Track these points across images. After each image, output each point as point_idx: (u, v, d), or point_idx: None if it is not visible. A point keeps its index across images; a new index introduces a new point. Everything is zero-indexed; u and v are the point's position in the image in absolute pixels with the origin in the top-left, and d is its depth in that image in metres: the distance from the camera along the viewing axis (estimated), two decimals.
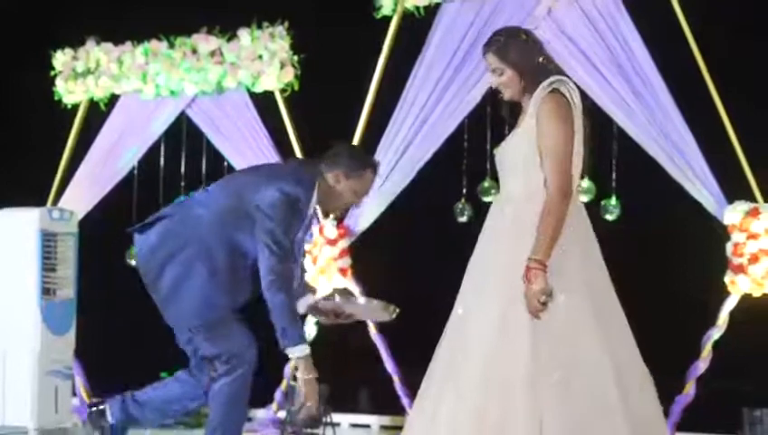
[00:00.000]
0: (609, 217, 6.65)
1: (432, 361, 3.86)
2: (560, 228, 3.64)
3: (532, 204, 3.70)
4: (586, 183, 6.66)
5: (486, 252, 3.82)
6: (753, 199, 6.35)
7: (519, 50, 3.84)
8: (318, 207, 4.63)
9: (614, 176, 6.65)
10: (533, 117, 3.77)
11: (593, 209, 6.61)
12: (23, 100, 8.13)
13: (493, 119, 6.85)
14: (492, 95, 6.61)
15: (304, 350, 4.36)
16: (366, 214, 7.11)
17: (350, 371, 7.09)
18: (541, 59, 3.84)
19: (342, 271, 7.16)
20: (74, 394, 7.61)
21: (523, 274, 3.60)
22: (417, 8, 7.00)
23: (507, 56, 3.84)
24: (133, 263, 7.81)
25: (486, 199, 6.94)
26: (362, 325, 7.05)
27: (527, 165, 3.76)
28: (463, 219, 7.01)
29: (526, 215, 3.70)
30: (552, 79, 3.78)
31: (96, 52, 7.96)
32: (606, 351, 3.61)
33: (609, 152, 6.53)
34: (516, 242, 3.69)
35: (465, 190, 7.00)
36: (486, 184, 6.93)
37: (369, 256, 7.15)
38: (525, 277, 3.60)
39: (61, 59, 8.07)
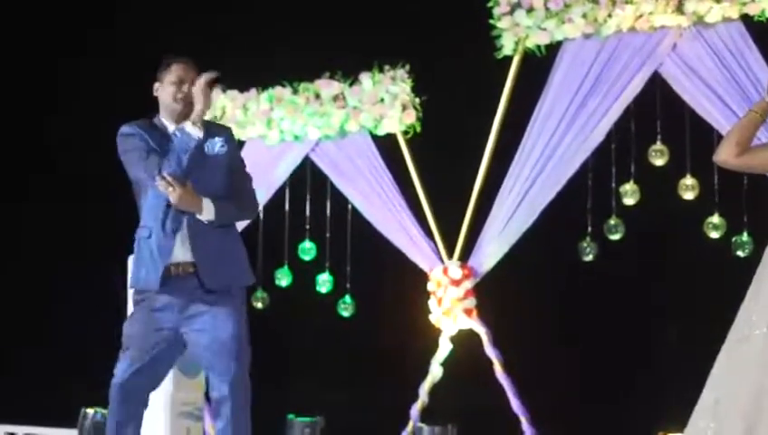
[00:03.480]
0: (741, 254, 6.49)
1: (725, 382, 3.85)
2: None
3: None
4: (716, 219, 6.53)
5: None
6: None
7: None
8: (170, 123, 4.57)
9: (745, 211, 6.49)
10: None
11: (724, 246, 6.51)
12: None
13: (617, 156, 6.80)
14: (616, 132, 6.72)
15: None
16: (490, 254, 7.08)
17: (477, 411, 7.03)
18: None
19: (467, 311, 7.13)
20: None
21: None
22: (539, 47, 6.97)
23: None
24: (259, 305, 8.01)
25: (612, 237, 6.85)
26: (489, 367, 7.00)
27: None
28: (588, 258, 6.92)
29: None
30: None
31: (222, 99, 8.12)
32: None
33: (740, 187, 6.37)
34: None
35: (590, 229, 6.92)
36: (612, 222, 6.84)
37: (494, 297, 7.11)
38: None
39: None
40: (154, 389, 4.60)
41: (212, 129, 4.57)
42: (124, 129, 4.57)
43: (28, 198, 8.67)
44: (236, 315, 4.49)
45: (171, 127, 4.52)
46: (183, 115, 4.51)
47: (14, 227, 8.71)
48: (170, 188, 4.36)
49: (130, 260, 4.88)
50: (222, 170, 4.53)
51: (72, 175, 8.42)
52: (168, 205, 4.46)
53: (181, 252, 4.46)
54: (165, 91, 4.57)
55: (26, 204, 8.64)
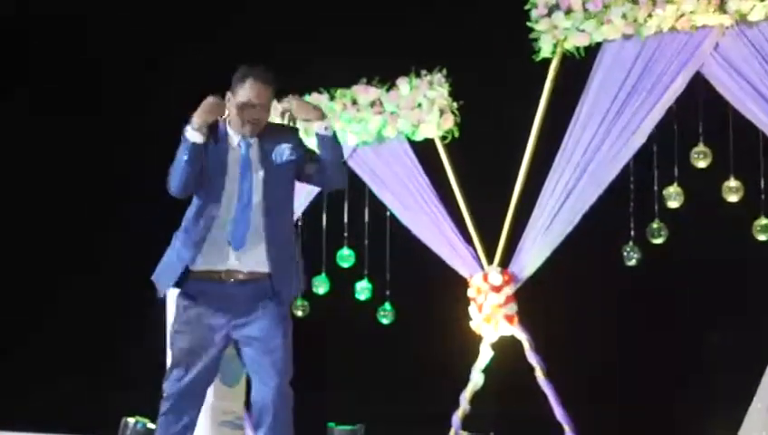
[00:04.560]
0: None
1: None
2: None
3: None
4: (765, 221, 6.41)
5: None
6: None
7: None
8: (236, 134, 4.46)
9: None
10: None
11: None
12: None
13: (660, 158, 6.69)
14: (658, 134, 6.61)
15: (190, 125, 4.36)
16: (531, 259, 7.00)
17: (519, 419, 6.95)
18: None
19: (508, 318, 7.04)
20: None
21: None
22: (578, 49, 6.88)
23: None
24: (299, 313, 7.97)
25: (655, 242, 6.74)
26: (531, 374, 6.91)
27: None
28: (631, 263, 6.81)
29: None
30: None
31: None
32: None
33: None
34: None
35: (632, 233, 6.81)
36: (655, 225, 6.73)
37: (535, 303, 7.02)
38: None
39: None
40: (204, 396, 4.56)
41: (279, 135, 4.50)
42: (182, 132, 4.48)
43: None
44: (285, 324, 4.46)
45: (236, 138, 4.46)
46: (248, 136, 4.45)
47: (64, 237, 8.69)
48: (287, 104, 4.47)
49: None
50: (293, 175, 4.49)
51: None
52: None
53: (234, 260, 4.41)
54: (234, 107, 4.42)
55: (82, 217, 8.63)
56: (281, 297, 4.43)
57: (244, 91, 4.39)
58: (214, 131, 4.45)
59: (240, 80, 4.42)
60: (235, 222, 4.39)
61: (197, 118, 4.32)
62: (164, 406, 4.46)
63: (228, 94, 4.47)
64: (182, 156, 4.34)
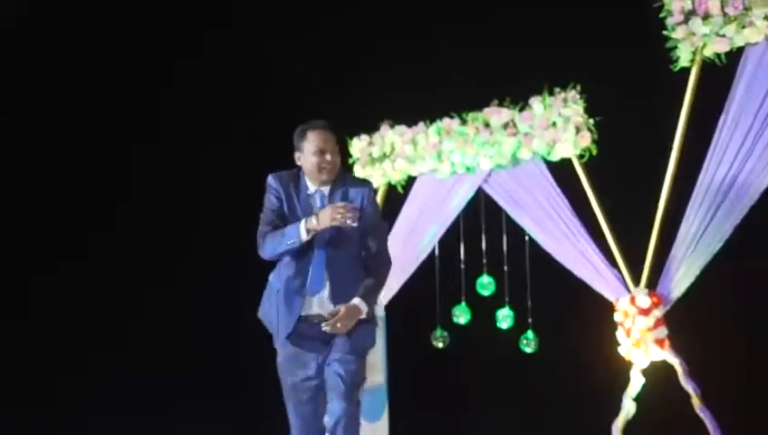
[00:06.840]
0: None
1: None
2: None
3: None
4: None
5: None
6: None
7: None
8: (313, 184, 4.90)
9: None
10: None
11: None
12: None
13: None
14: None
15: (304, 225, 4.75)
16: (680, 279, 6.65)
17: None
18: None
19: (659, 342, 6.70)
20: None
21: None
22: (718, 55, 6.53)
23: None
24: (440, 345, 7.78)
25: None
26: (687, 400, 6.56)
27: None
28: None
29: None
30: None
31: (390, 135, 7.99)
32: None
33: None
34: None
35: None
36: None
37: (687, 325, 6.66)
38: None
39: (357, 146, 8.16)
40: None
41: (350, 190, 4.87)
42: (269, 179, 4.91)
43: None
44: (362, 356, 4.86)
45: (312, 188, 4.89)
46: (327, 181, 4.86)
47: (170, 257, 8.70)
48: (338, 325, 4.73)
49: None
50: (356, 237, 4.83)
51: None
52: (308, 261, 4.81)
53: (316, 307, 4.83)
54: (307, 160, 4.85)
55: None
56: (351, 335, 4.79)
57: (312, 142, 4.83)
58: (296, 182, 4.87)
59: (302, 136, 4.86)
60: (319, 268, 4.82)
61: (320, 225, 4.69)
62: None
63: (297, 154, 4.88)
64: (288, 245, 4.74)
